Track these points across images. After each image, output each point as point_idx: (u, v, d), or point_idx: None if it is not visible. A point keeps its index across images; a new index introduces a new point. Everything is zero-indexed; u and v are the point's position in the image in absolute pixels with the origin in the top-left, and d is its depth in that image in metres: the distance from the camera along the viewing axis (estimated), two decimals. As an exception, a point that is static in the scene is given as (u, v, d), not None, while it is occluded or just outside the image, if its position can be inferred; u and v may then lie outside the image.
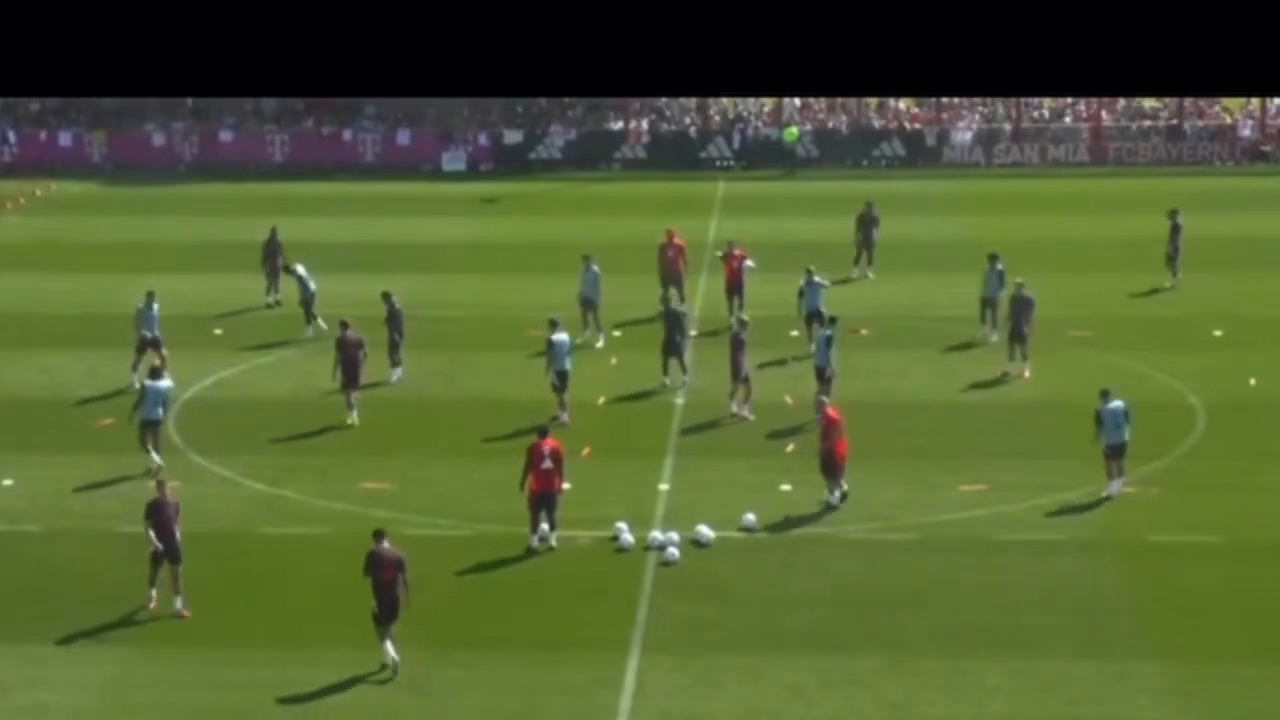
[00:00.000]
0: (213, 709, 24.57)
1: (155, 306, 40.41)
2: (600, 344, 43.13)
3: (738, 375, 37.33)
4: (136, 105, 76.67)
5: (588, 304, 43.48)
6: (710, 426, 36.99)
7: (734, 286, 45.67)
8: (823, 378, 37.02)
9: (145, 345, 40.01)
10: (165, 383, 34.65)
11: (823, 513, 31.65)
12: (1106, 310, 46.37)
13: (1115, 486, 32.31)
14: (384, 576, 25.40)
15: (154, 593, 27.41)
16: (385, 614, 25.38)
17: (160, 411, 34.23)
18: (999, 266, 43.24)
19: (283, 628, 26.87)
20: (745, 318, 39.38)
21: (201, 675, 25.48)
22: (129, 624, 27.28)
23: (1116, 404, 32.26)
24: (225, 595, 28.20)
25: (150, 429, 34.08)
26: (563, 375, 37.20)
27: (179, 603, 27.26)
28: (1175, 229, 49.38)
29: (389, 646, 25.43)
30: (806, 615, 27.37)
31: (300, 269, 45.13)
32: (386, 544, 25.70)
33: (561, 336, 37.40)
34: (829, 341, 37.18)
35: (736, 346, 37.31)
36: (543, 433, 30.51)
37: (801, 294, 42.29)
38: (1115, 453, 32.22)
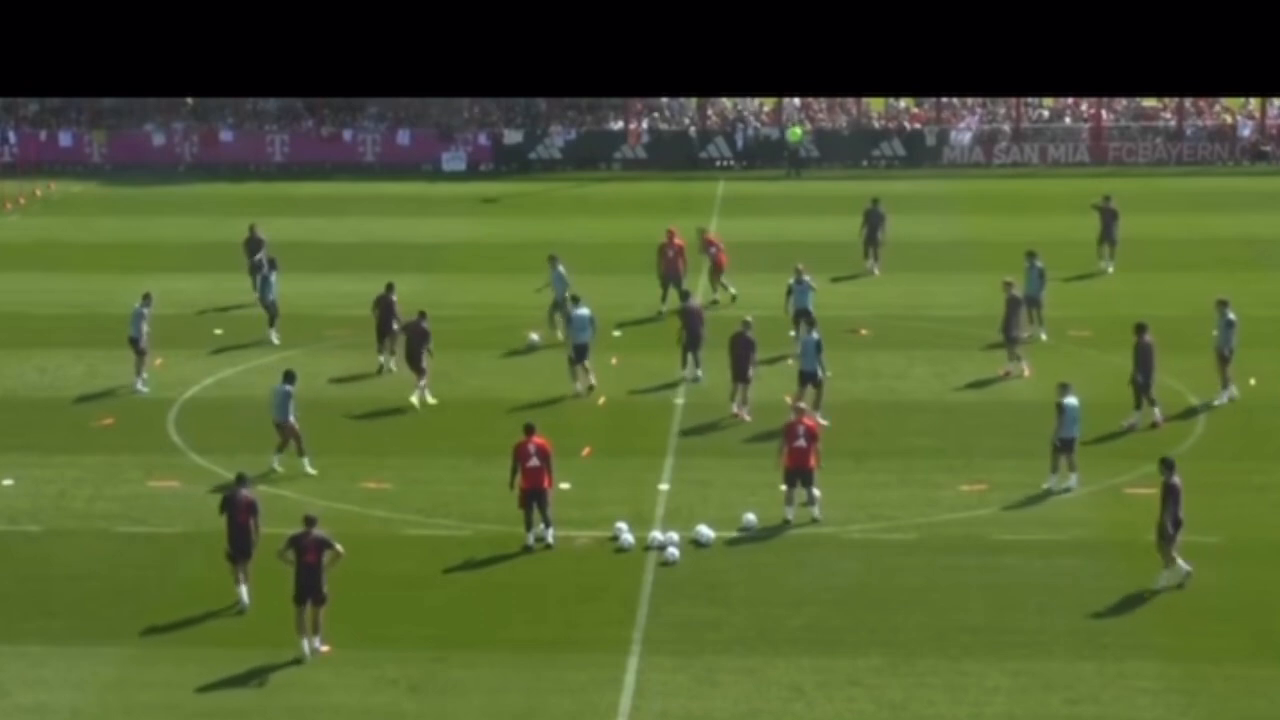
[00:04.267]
0: (213, 709, 24.58)
1: (147, 311, 40.22)
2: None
3: (742, 376, 37.17)
4: (136, 105, 76.66)
5: (559, 304, 43.20)
6: (710, 427, 36.98)
7: (718, 271, 47.70)
8: (814, 383, 36.82)
9: (140, 350, 39.97)
10: (287, 386, 34.19)
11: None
12: (1106, 310, 46.36)
13: (1073, 480, 32.41)
14: (306, 559, 26.01)
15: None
16: (302, 595, 26.08)
17: (283, 414, 34.02)
18: (1038, 264, 43.22)
19: (283, 628, 26.83)
20: (749, 318, 39.15)
21: (201, 675, 25.48)
22: (129, 624, 27.30)
23: (1073, 400, 32.37)
24: (225, 595, 28.20)
25: (279, 430, 34.13)
26: (580, 349, 38.41)
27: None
28: (1112, 214, 50.90)
29: (307, 642, 25.92)
30: (806, 615, 27.39)
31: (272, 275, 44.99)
32: (315, 530, 26.26)
33: (581, 311, 38.69)
34: (819, 346, 36.95)
35: (746, 346, 37.09)
36: (528, 430, 30.53)
37: (790, 293, 42.34)
38: (1069, 446, 32.29)
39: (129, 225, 61.95)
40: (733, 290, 47.37)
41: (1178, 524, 28.01)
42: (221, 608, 27.81)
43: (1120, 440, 35.26)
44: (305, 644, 25.88)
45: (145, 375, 39.88)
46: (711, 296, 47.16)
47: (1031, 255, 43.55)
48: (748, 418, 37.04)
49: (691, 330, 39.71)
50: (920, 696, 24.62)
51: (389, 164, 74.59)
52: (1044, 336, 42.27)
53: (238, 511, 27.66)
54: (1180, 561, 28.16)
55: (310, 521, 26.38)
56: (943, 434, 36.47)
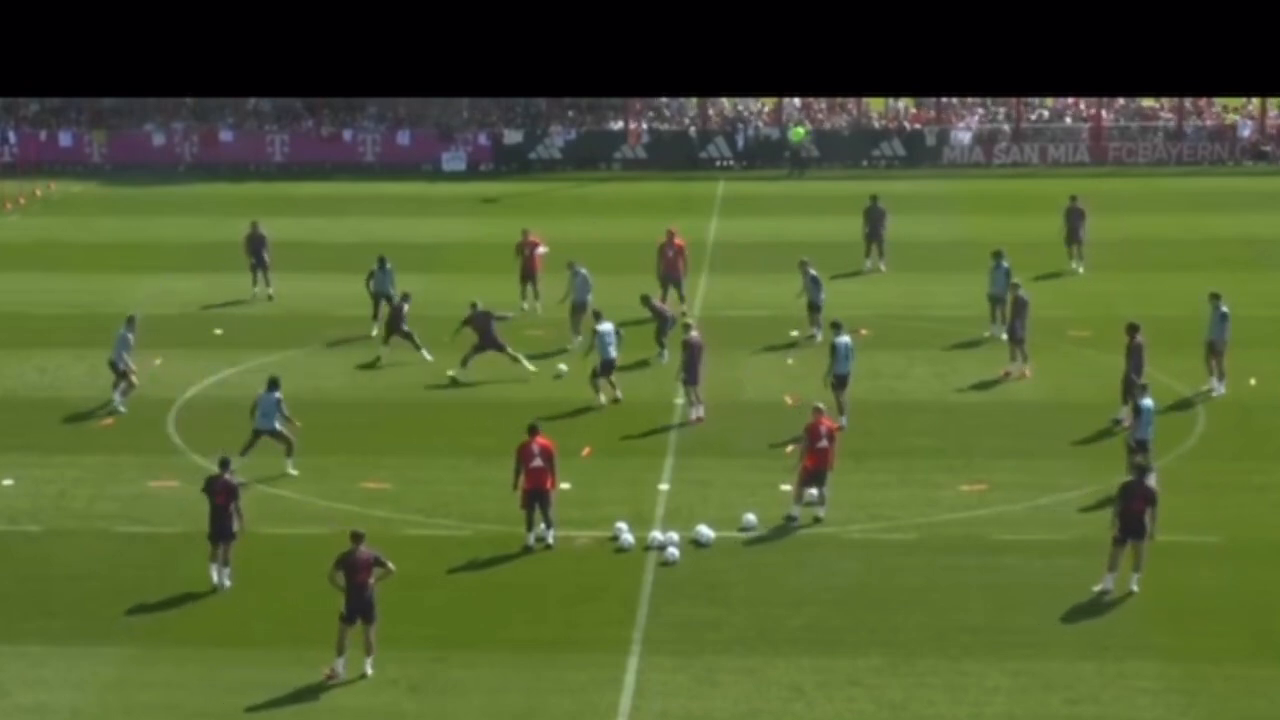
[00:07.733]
0: (213, 709, 24.58)
1: (131, 336, 38.47)
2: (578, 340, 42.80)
3: (693, 379, 37.08)
4: (136, 105, 76.67)
5: (581, 308, 43.07)
6: (710, 427, 36.96)
7: (531, 275, 47.07)
8: (845, 385, 36.84)
9: (119, 371, 38.40)
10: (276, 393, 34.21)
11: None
12: (1106, 310, 46.34)
13: (1151, 479, 32.44)
14: (357, 579, 25.52)
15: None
16: (352, 614, 25.55)
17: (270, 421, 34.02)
18: (1004, 264, 43.35)
19: (283, 628, 26.87)
20: (693, 321, 39.00)
21: (201, 675, 25.50)
22: (129, 624, 27.32)
23: (1149, 401, 32.49)
24: (225, 595, 28.24)
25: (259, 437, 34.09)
26: (608, 365, 37.89)
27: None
28: (1079, 214, 51.33)
29: (343, 661, 25.42)
30: (806, 615, 27.40)
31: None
32: (363, 547, 25.78)
33: (605, 326, 38.21)
34: (850, 351, 37.06)
35: (695, 350, 37.06)
36: (532, 431, 30.57)
37: (809, 287, 42.69)
38: (1143, 447, 32.29)
39: (129, 225, 61.95)
40: (532, 303, 46.82)
41: (1123, 529, 27.82)
42: (223, 608, 27.83)
43: (1119, 440, 35.22)
44: (341, 662, 25.32)
45: (124, 394, 38.41)
46: (521, 304, 46.38)
47: (998, 255, 43.67)
48: (701, 415, 36.95)
49: (659, 324, 41.42)
50: (920, 696, 24.63)
51: (389, 164, 74.60)
52: (1004, 336, 42.10)
53: (216, 494, 28.51)
54: (1108, 574, 27.95)
55: (357, 538, 25.78)
56: (943, 434, 36.48)
